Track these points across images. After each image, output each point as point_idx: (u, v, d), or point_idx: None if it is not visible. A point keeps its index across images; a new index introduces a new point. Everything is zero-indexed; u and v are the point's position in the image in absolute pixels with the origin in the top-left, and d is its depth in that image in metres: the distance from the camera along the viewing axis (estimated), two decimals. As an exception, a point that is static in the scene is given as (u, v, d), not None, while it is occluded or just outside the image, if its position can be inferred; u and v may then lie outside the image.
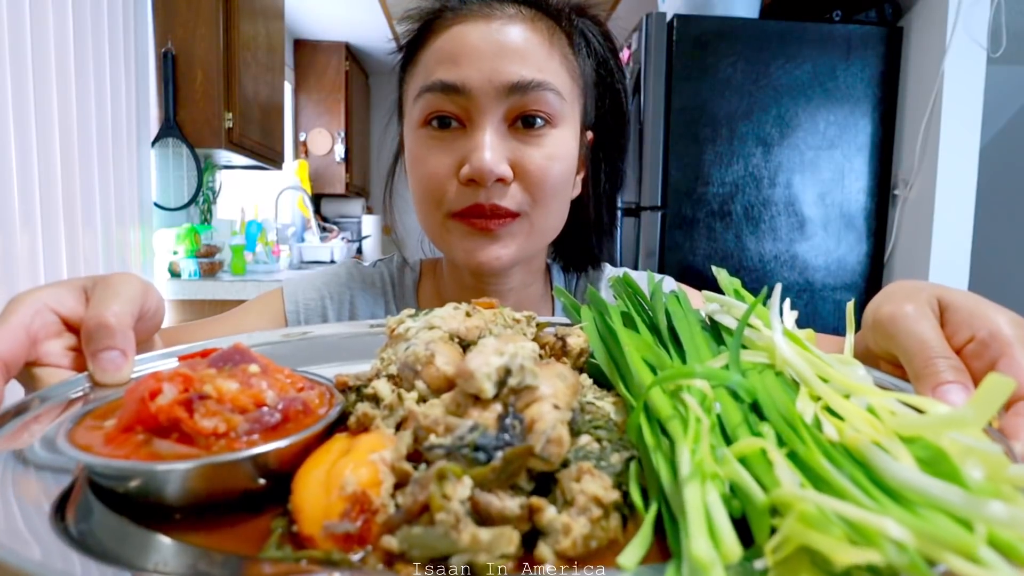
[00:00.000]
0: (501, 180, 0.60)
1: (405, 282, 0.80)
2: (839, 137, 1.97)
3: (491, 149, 0.58)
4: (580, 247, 0.78)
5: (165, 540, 0.24)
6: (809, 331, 0.38)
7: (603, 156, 0.74)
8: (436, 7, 0.64)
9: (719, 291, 0.45)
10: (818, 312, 2.03)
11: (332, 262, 3.32)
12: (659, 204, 1.98)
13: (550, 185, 0.62)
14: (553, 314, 0.79)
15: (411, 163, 0.66)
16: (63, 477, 0.29)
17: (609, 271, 0.83)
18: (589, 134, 0.72)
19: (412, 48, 0.67)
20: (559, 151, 0.62)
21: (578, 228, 0.75)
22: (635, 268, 2.09)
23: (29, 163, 1.51)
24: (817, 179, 1.99)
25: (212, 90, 2.18)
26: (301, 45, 3.94)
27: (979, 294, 0.37)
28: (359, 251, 4.05)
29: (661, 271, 1.99)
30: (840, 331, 0.38)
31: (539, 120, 0.61)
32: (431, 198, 0.63)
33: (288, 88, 3.72)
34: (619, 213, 0.81)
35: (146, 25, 2.06)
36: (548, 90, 0.60)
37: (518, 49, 0.59)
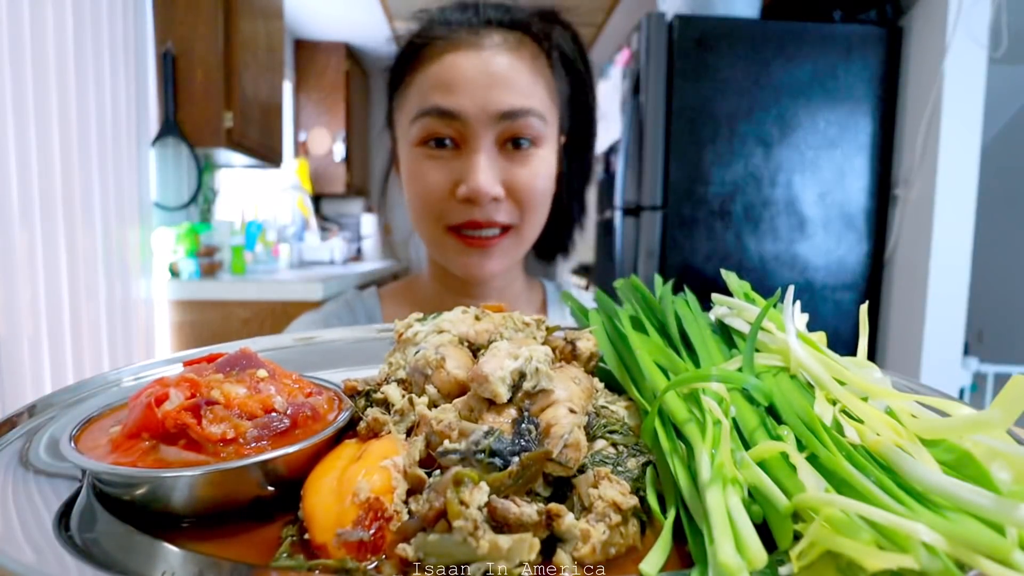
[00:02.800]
0: (494, 199, 0.66)
1: (368, 311, 0.82)
2: (839, 137, 1.97)
3: (485, 172, 0.64)
4: (551, 238, 0.83)
5: (172, 548, 0.24)
6: (820, 334, 0.38)
7: (573, 153, 0.79)
8: (427, 35, 0.69)
9: (719, 291, 0.44)
10: (818, 312, 2.02)
11: (332, 262, 3.31)
12: (659, 204, 1.98)
13: (537, 200, 0.69)
14: (543, 305, 0.85)
15: (408, 179, 0.71)
16: (67, 483, 0.28)
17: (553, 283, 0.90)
18: (562, 136, 0.78)
19: (401, 70, 0.72)
20: (543, 168, 0.69)
21: (550, 220, 0.80)
22: (634, 269, 2.08)
23: (28, 162, 1.50)
24: (817, 179, 1.99)
25: (212, 90, 2.17)
26: (301, 45, 3.93)
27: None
28: (359, 251, 4.04)
29: (661, 271, 1.98)
30: (840, 331, 0.38)
31: (525, 142, 0.67)
32: (429, 213, 0.69)
33: (288, 88, 3.71)
34: (592, 207, 0.86)
35: (146, 25, 2.05)
36: (534, 116, 0.67)
37: (507, 79, 0.65)
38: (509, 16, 0.69)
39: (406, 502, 0.24)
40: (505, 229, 0.69)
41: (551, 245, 0.85)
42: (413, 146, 0.69)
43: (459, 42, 0.67)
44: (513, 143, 0.67)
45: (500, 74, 0.65)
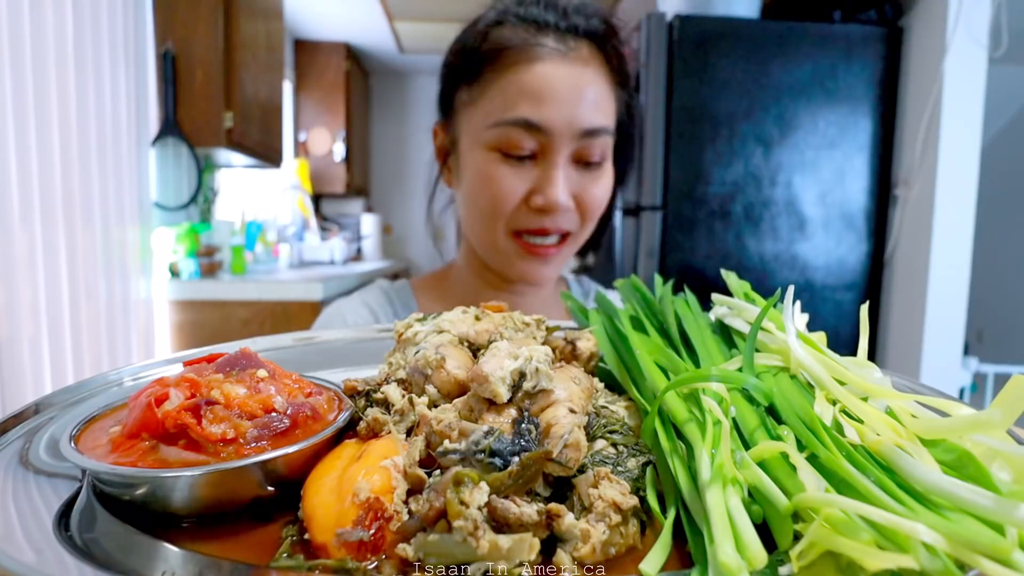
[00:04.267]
0: (567, 210, 0.68)
1: (405, 306, 0.82)
2: (839, 137, 1.97)
3: (563, 186, 0.66)
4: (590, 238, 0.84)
5: (172, 548, 0.24)
6: (820, 334, 0.38)
7: (618, 158, 0.79)
8: (512, 36, 0.67)
9: (719, 291, 0.44)
10: (818, 312, 2.02)
11: (332, 262, 3.31)
12: (659, 204, 1.98)
13: (599, 211, 0.72)
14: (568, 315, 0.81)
15: (479, 181, 0.70)
16: (67, 483, 0.28)
17: (585, 282, 0.91)
18: None
19: (477, 64, 0.69)
20: (607, 182, 0.72)
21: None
22: (635, 269, 2.08)
23: (28, 162, 1.50)
24: (817, 179, 1.99)
25: (212, 90, 2.17)
26: (301, 45, 3.93)
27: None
28: (359, 251, 4.04)
29: (661, 271, 1.98)
30: (840, 331, 0.38)
31: (596, 158, 0.69)
32: (497, 216, 0.70)
33: (288, 88, 3.71)
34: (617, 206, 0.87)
35: (146, 25, 2.05)
36: (608, 135, 0.69)
37: (593, 98, 0.66)
38: (587, 23, 0.68)
39: (406, 502, 0.24)
40: (563, 236, 0.72)
41: (587, 244, 0.86)
42: (488, 150, 0.68)
43: (546, 50, 0.66)
44: (584, 161, 0.68)
45: (586, 90, 0.66)
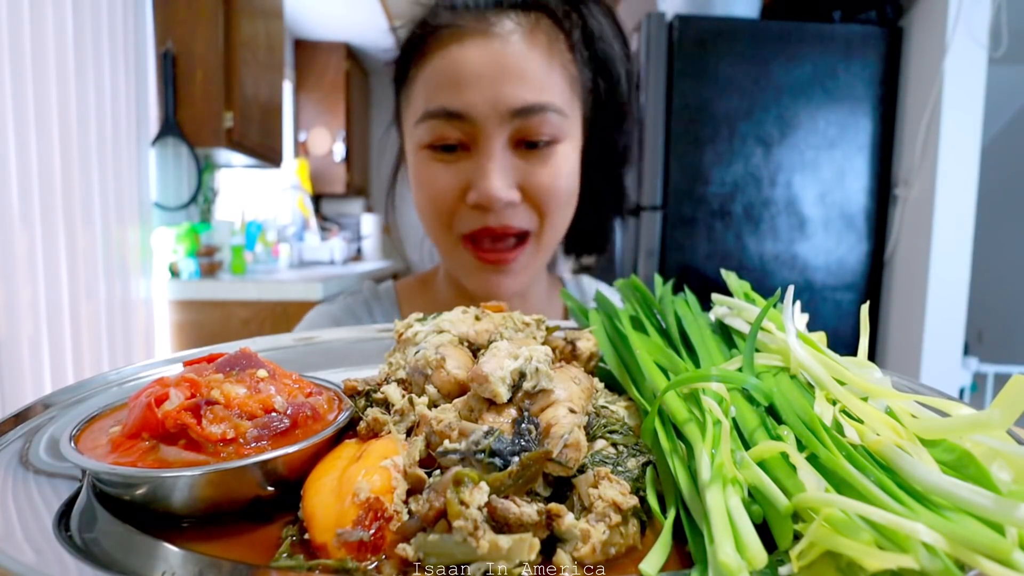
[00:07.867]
0: (509, 204, 0.61)
1: (386, 311, 0.77)
2: (839, 137, 1.97)
3: (497, 176, 0.59)
4: (580, 231, 0.77)
5: (172, 548, 0.24)
6: (820, 334, 0.38)
7: (604, 140, 0.72)
8: (431, 22, 0.63)
9: (719, 291, 0.44)
10: (818, 312, 2.02)
11: (332, 262, 3.31)
12: (659, 204, 1.98)
13: (557, 202, 0.63)
14: (564, 315, 0.78)
15: (416, 184, 0.66)
16: (67, 483, 0.28)
17: (586, 282, 0.84)
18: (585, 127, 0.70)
19: (406, 62, 0.66)
20: (564, 167, 0.63)
21: (579, 213, 0.73)
22: (634, 269, 2.09)
23: (28, 162, 1.50)
24: (817, 179, 1.99)
25: (212, 90, 2.17)
26: (301, 45, 3.93)
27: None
28: (359, 251, 4.04)
29: (661, 271, 1.98)
30: (840, 331, 0.38)
31: (542, 141, 0.61)
32: (440, 221, 0.64)
33: (288, 88, 3.71)
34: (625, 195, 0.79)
35: (146, 25, 2.06)
36: (551, 111, 0.60)
37: (519, 71, 0.59)
38: None
39: (406, 502, 0.24)
40: (523, 237, 0.64)
41: (581, 239, 0.79)
42: (419, 149, 0.64)
43: (465, 31, 0.60)
44: (528, 142, 0.61)
45: (511, 66, 0.59)
